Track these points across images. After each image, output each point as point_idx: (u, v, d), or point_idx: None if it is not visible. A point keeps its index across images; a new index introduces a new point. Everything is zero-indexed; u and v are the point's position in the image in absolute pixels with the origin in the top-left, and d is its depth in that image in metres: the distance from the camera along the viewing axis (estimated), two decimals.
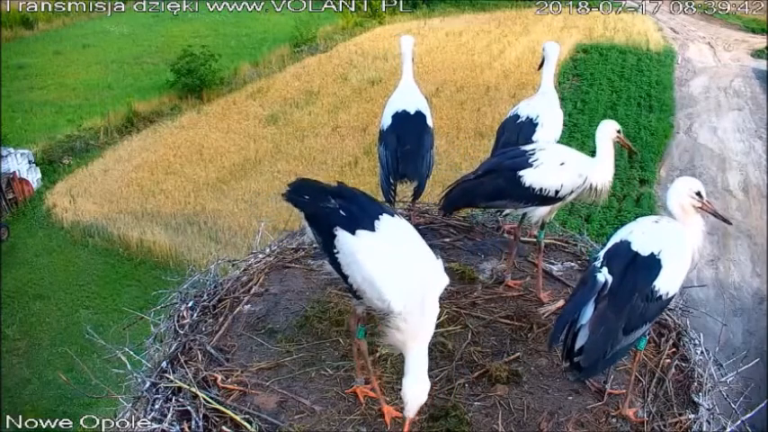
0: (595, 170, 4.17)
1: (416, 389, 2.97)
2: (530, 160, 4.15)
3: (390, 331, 3.02)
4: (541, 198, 4.16)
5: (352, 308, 3.47)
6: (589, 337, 3.21)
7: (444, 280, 3.17)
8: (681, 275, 3.36)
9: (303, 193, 3.44)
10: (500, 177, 4.19)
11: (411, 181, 4.99)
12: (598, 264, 3.37)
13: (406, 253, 3.15)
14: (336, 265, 3.24)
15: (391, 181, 4.94)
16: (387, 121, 5.09)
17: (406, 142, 4.94)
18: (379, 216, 3.23)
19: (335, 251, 3.21)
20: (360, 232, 3.16)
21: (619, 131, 4.19)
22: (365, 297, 3.16)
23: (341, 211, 3.26)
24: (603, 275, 3.28)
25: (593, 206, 14.66)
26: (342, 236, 3.18)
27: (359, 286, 3.15)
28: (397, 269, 3.07)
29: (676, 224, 3.46)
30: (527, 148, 4.28)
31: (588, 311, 3.26)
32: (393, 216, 3.30)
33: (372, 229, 3.17)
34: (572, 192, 4.19)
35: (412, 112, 5.06)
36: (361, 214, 3.23)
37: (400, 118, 5.05)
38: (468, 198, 4.38)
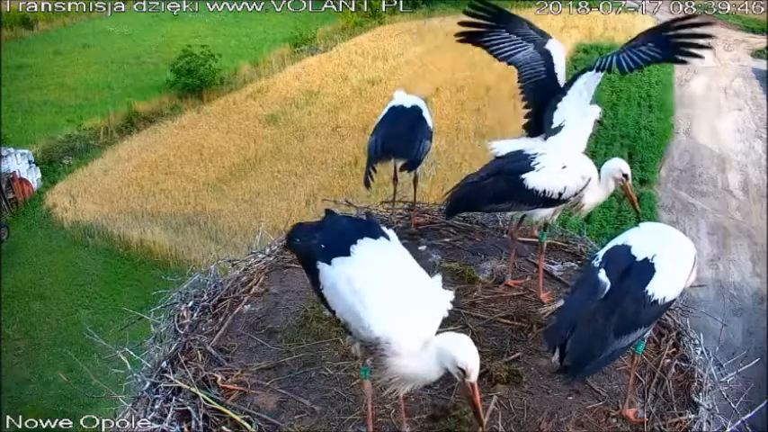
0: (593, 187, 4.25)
1: (468, 350, 2.69)
2: (532, 164, 4.15)
3: (388, 361, 2.79)
4: (545, 200, 4.17)
5: (351, 348, 3.21)
6: (575, 337, 3.18)
7: (446, 296, 2.96)
8: (679, 280, 3.34)
9: (296, 237, 3.30)
10: (502, 181, 4.19)
11: (398, 158, 4.92)
12: (596, 263, 3.35)
13: (388, 276, 2.93)
14: (325, 302, 3.06)
15: (373, 157, 4.85)
16: (382, 114, 5.20)
17: (397, 128, 4.96)
18: (358, 240, 3.02)
19: (321, 287, 3.04)
20: (335, 260, 2.98)
21: (626, 175, 4.31)
22: (352, 329, 2.96)
23: (321, 245, 3.09)
24: (604, 277, 3.26)
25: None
26: (321, 269, 3.02)
27: (344, 318, 2.96)
28: (377, 292, 2.85)
29: (677, 231, 3.48)
30: (528, 152, 4.28)
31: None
32: (378, 238, 3.09)
33: (348, 254, 2.97)
34: (575, 194, 4.22)
35: (408, 106, 5.13)
36: (338, 242, 3.04)
37: (395, 110, 5.15)
38: (472, 202, 4.38)
